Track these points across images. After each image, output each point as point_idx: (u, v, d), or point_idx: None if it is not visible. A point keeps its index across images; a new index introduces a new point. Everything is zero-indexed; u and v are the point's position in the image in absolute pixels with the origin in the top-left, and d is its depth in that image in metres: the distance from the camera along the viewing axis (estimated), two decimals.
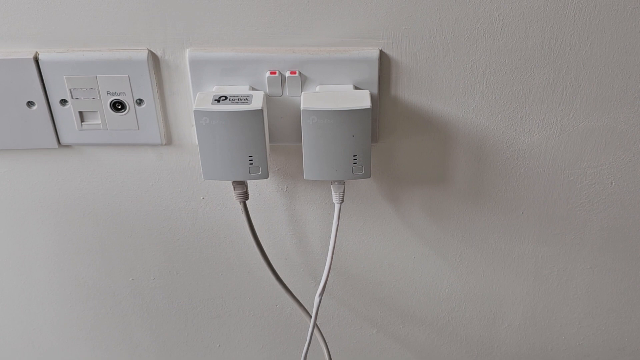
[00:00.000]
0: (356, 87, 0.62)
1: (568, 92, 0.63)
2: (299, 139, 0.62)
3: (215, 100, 0.59)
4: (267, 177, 0.62)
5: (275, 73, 0.61)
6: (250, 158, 0.61)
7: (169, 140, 0.68)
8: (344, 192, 0.66)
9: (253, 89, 0.63)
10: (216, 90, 0.62)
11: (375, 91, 0.63)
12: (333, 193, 0.66)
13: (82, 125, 0.66)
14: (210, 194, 0.72)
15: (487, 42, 0.60)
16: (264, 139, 0.60)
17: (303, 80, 0.62)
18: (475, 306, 0.80)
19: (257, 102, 0.59)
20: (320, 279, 0.71)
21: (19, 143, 0.67)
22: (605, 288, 0.78)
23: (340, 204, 0.66)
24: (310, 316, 0.74)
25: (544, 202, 0.71)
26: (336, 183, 0.65)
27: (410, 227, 0.74)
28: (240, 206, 0.67)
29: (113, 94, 0.64)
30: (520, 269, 0.76)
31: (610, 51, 0.60)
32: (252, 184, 0.70)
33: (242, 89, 0.62)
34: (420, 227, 0.74)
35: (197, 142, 0.60)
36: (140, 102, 0.64)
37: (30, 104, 0.64)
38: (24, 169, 0.70)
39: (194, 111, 0.58)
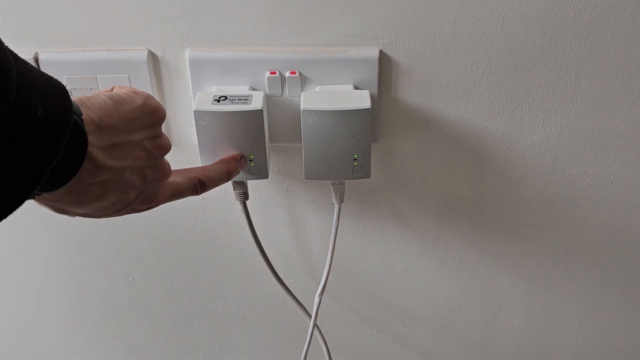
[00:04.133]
0: (356, 87, 0.62)
1: (568, 92, 0.63)
2: (299, 139, 0.62)
3: (215, 100, 0.59)
4: (267, 177, 0.62)
5: (275, 73, 0.61)
6: (250, 158, 0.61)
7: None
8: (344, 192, 0.66)
9: (253, 89, 0.63)
10: (216, 90, 0.62)
11: (375, 91, 0.63)
12: (333, 193, 0.66)
13: None
14: (210, 194, 0.72)
15: (487, 42, 0.60)
16: (264, 139, 0.60)
17: (303, 80, 0.62)
18: (475, 306, 0.80)
19: (257, 102, 0.59)
20: (320, 279, 0.71)
21: None
22: (605, 288, 0.78)
23: (340, 204, 0.66)
24: (310, 316, 0.74)
25: (544, 202, 0.71)
26: (336, 183, 0.65)
27: (410, 227, 0.74)
28: (240, 206, 0.67)
29: None
30: (520, 269, 0.76)
31: (610, 51, 0.60)
32: (252, 184, 0.70)
33: (242, 89, 0.62)
34: (420, 227, 0.74)
35: (197, 142, 0.60)
36: None
37: None
38: None
39: (194, 111, 0.58)
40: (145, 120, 0.44)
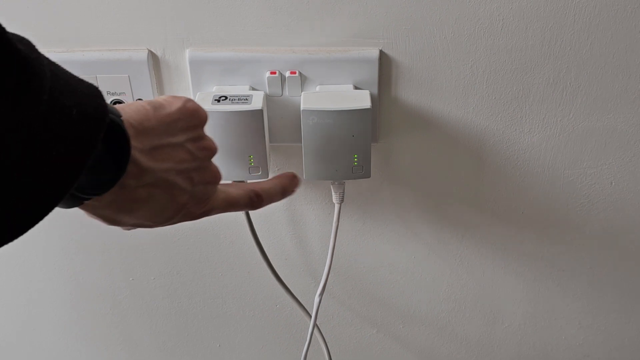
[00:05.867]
0: (356, 87, 0.62)
1: (568, 92, 0.63)
2: (299, 139, 0.62)
3: (215, 100, 0.59)
4: (267, 177, 0.62)
5: (275, 73, 0.61)
6: (250, 158, 0.61)
7: None
8: (344, 192, 0.66)
9: (253, 89, 0.63)
10: (216, 90, 0.62)
11: (375, 91, 0.63)
12: (333, 193, 0.66)
13: None
14: None
15: (487, 42, 0.60)
16: (264, 139, 0.60)
17: (303, 80, 0.62)
18: (475, 306, 0.80)
19: (257, 102, 0.59)
20: (320, 279, 0.71)
21: None
22: (605, 288, 0.78)
23: (340, 204, 0.66)
24: (310, 316, 0.74)
25: (544, 202, 0.71)
26: (336, 183, 0.65)
27: (410, 227, 0.74)
28: None
29: (113, 94, 0.64)
30: (520, 269, 0.76)
31: (610, 51, 0.60)
32: None
33: (242, 89, 0.62)
34: (420, 227, 0.74)
35: None
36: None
37: None
38: None
39: None
40: (185, 123, 0.44)
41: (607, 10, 0.58)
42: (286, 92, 0.63)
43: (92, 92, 0.35)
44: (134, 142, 0.39)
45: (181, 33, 0.61)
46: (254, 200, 0.52)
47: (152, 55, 0.63)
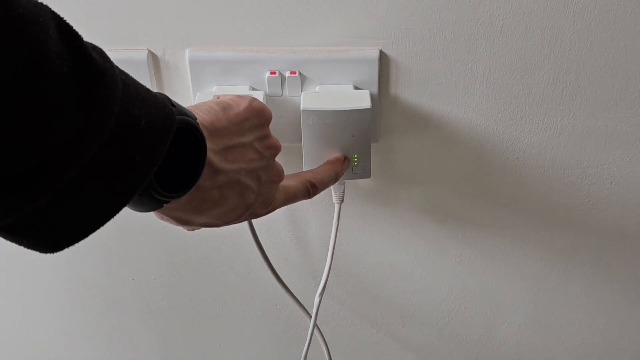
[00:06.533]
0: (356, 87, 0.62)
1: (568, 92, 0.63)
2: (299, 139, 0.62)
3: None
4: None
5: (275, 73, 0.61)
6: None
7: None
8: (344, 192, 0.66)
9: (253, 89, 0.63)
10: (216, 90, 0.62)
11: (375, 91, 0.63)
12: (333, 193, 0.66)
13: None
14: None
15: (487, 42, 0.60)
16: None
17: (303, 80, 0.62)
18: (475, 306, 0.80)
19: None
20: (320, 279, 0.71)
21: None
22: (605, 288, 0.78)
23: (340, 204, 0.66)
24: (310, 316, 0.74)
25: (544, 202, 0.71)
26: (336, 183, 0.65)
27: (410, 227, 0.74)
28: None
29: None
30: (520, 269, 0.76)
31: (610, 51, 0.60)
32: None
33: (242, 89, 0.62)
34: (420, 227, 0.74)
35: None
36: None
37: None
38: None
39: None
40: (252, 122, 0.45)
41: (607, 10, 0.58)
42: (286, 92, 0.63)
43: (160, 102, 0.35)
44: (208, 144, 0.39)
45: (181, 33, 0.61)
46: (310, 190, 0.54)
47: (152, 55, 0.63)
